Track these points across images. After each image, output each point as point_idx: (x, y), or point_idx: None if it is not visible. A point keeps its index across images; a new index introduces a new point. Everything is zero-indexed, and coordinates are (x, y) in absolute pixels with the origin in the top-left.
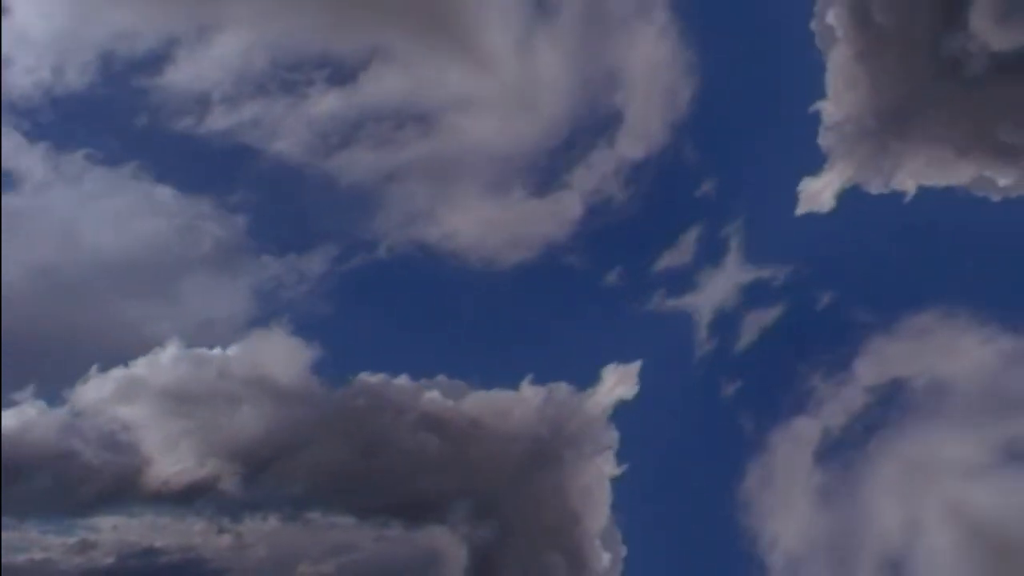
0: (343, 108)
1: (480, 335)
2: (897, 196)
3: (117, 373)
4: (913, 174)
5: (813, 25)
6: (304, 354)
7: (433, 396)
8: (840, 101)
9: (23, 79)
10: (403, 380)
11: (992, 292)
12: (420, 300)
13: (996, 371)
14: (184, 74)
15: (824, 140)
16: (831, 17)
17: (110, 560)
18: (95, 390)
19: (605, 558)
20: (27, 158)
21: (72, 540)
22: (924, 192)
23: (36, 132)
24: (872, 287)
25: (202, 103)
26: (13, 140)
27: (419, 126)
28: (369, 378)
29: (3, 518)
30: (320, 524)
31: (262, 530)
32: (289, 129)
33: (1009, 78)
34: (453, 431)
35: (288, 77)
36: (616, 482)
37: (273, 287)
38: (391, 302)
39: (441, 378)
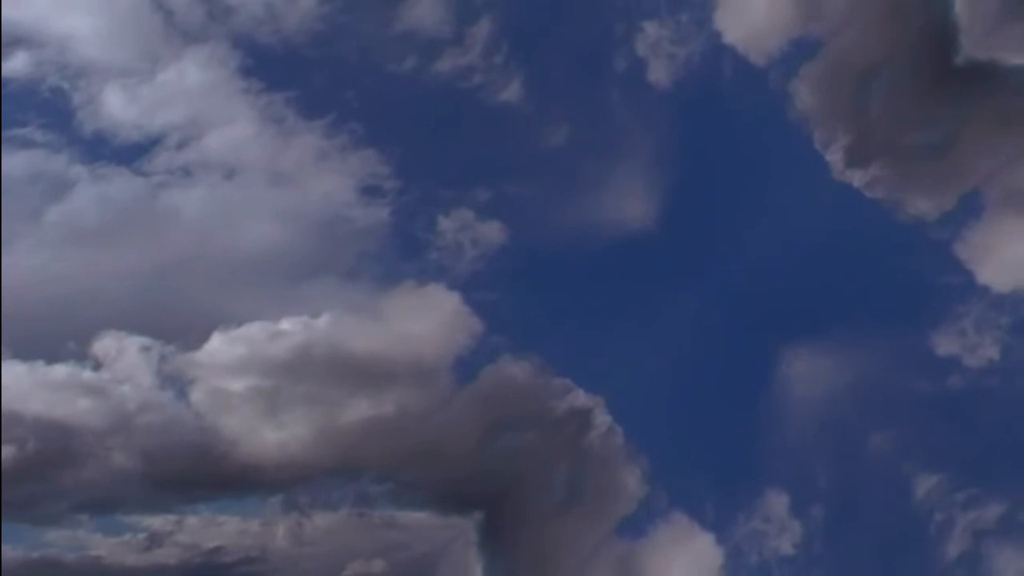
0: None
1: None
2: None
3: (246, 335)
4: None
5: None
6: (455, 328)
7: (574, 392)
8: None
9: (254, 8)
10: (545, 369)
11: None
12: (602, 285)
13: None
14: (432, 7)
15: None
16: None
17: (171, 560)
18: (213, 355)
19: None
20: (230, 96)
21: (139, 537)
22: None
23: (253, 68)
24: None
25: (437, 43)
26: (224, 72)
27: None
28: (510, 363)
29: (58, 513)
30: (398, 520)
31: (323, 526)
32: (525, 79)
33: None
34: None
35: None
36: None
37: (446, 254)
38: (568, 283)
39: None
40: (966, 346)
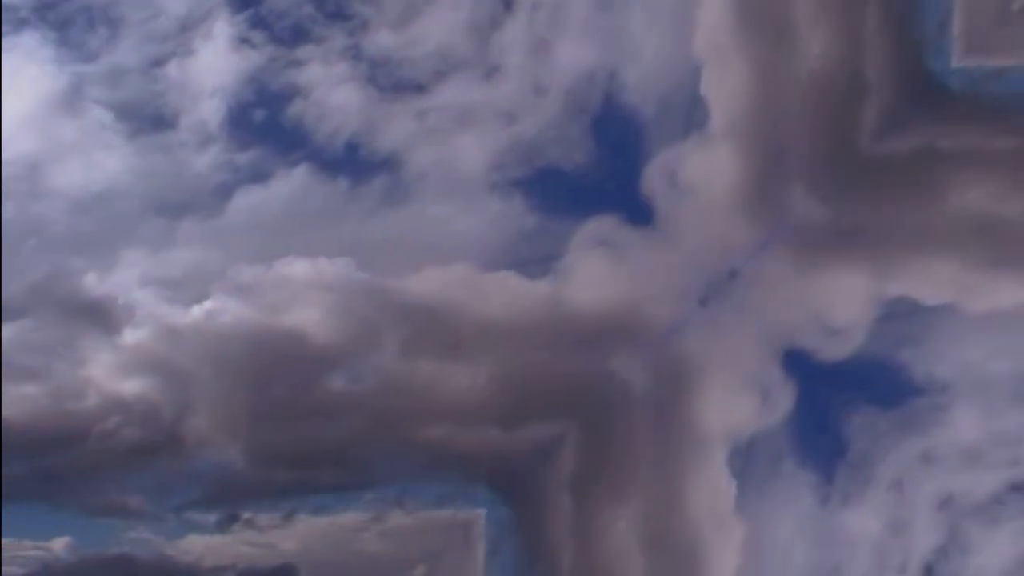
0: None
1: None
2: None
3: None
4: None
5: None
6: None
7: None
8: None
9: None
10: None
11: None
12: None
13: None
14: None
15: None
16: None
17: (242, 564)
18: (409, 296)
19: None
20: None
21: (227, 538)
22: None
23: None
24: None
25: None
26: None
27: None
28: None
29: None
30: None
31: (413, 525)
32: None
33: None
34: None
35: None
36: None
37: None
38: None
39: None
40: None
